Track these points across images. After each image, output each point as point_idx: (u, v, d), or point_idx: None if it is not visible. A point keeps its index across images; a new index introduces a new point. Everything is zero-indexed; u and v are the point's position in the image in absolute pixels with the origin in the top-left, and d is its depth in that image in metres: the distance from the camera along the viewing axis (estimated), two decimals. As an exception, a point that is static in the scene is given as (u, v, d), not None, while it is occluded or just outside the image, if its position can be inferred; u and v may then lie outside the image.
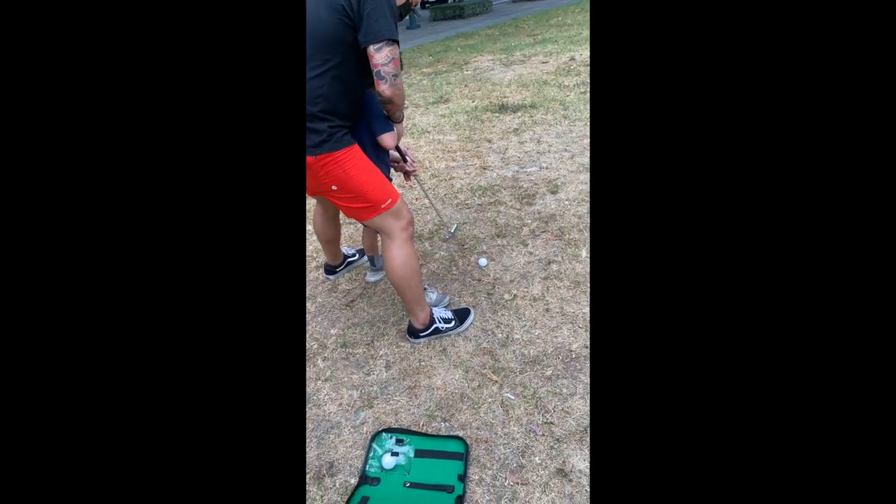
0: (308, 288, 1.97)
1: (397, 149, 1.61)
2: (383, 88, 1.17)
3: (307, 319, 1.78)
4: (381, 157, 1.47)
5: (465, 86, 4.76)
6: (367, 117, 1.39)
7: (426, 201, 2.52)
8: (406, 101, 4.44)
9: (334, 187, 1.31)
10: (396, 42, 1.14)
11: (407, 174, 1.71)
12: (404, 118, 1.48)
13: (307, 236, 2.38)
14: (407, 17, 11.31)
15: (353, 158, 1.29)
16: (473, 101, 4.16)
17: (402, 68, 1.20)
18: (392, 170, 1.64)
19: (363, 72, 1.22)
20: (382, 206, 1.34)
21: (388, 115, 1.37)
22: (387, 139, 1.41)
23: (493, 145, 3.13)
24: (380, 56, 1.12)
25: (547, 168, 2.67)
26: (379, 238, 1.81)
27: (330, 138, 1.23)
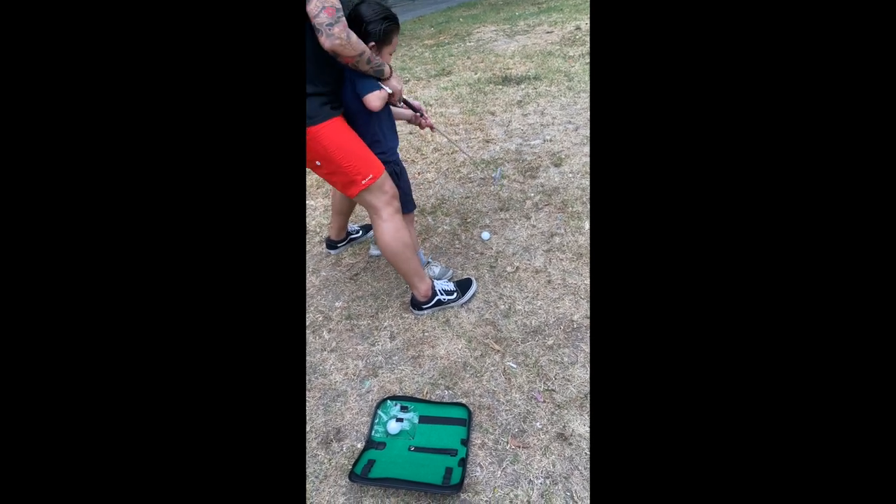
0: (312, 262, 1.99)
1: (406, 103, 1.51)
2: (322, 41, 1.08)
3: (312, 293, 1.80)
4: (379, 123, 1.39)
5: (468, 57, 4.65)
6: (346, 79, 1.31)
7: (429, 175, 2.50)
8: (407, 74, 4.37)
9: (318, 163, 1.30)
10: None
11: (430, 126, 1.62)
12: (394, 74, 1.33)
13: (311, 211, 2.38)
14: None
15: (333, 132, 1.26)
16: (476, 74, 4.07)
17: (341, 13, 1.08)
18: (417, 124, 1.58)
19: None
20: (363, 182, 1.31)
21: (361, 71, 1.23)
22: (371, 99, 1.27)
23: (497, 118, 3.08)
24: (310, 6, 1.05)
25: (551, 141, 2.63)
26: None
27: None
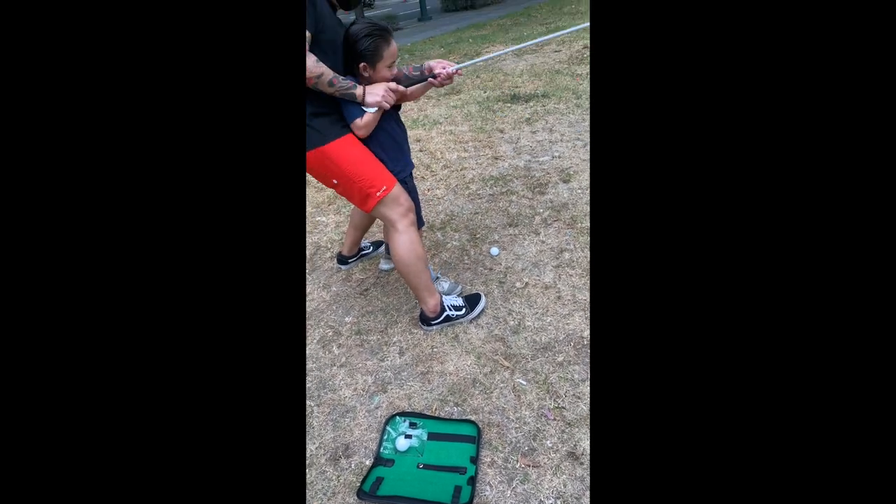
0: (323, 277, 2.01)
1: (412, 80, 1.37)
2: None
3: (322, 308, 1.81)
4: (380, 146, 1.39)
5: (477, 76, 4.73)
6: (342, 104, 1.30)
7: (438, 191, 2.53)
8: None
9: (335, 181, 1.34)
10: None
11: (455, 73, 1.38)
12: (372, 91, 1.26)
13: (322, 227, 2.41)
14: (418, 10, 11.21)
15: (343, 149, 1.29)
16: (485, 92, 4.14)
17: (309, 41, 1.14)
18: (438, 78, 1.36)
19: (329, 58, 1.23)
20: (377, 194, 1.34)
21: (328, 94, 1.24)
22: (356, 127, 1.30)
23: (505, 135, 3.12)
24: None
25: (559, 157, 2.65)
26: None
27: (314, 130, 1.25)
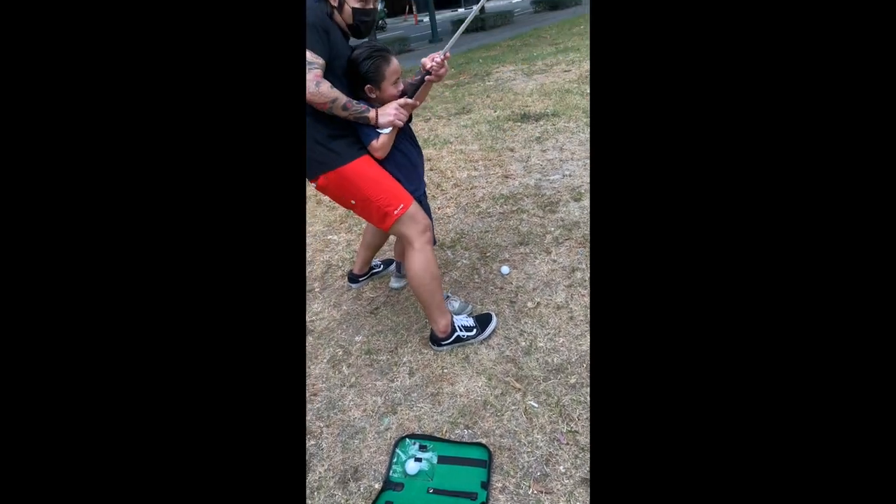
0: (334, 296, 2.01)
1: (414, 87, 1.38)
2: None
3: (333, 327, 1.81)
4: (399, 162, 1.42)
5: (487, 96, 4.79)
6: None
7: (448, 210, 2.54)
8: (428, 113, 4.50)
9: (353, 201, 1.37)
10: (311, 51, 1.19)
11: (444, 59, 1.36)
12: (384, 113, 1.29)
13: (333, 246, 2.43)
14: (429, 31, 11.47)
15: (361, 170, 1.33)
16: (495, 111, 4.18)
17: (313, 65, 1.20)
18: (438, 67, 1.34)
19: (343, 83, 1.29)
20: (395, 212, 1.36)
21: (343, 118, 1.28)
22: (373, 149, 1.35)
23: (516, 154, 3.13)
24: None
25: (570, 175, 2.65)
26: None
27: (332, 153, 1.29)
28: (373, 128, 1.32)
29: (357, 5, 1.29)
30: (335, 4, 1.29)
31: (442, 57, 1.35)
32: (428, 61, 1.36)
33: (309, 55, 1.19)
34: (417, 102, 1.40)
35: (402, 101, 1.32)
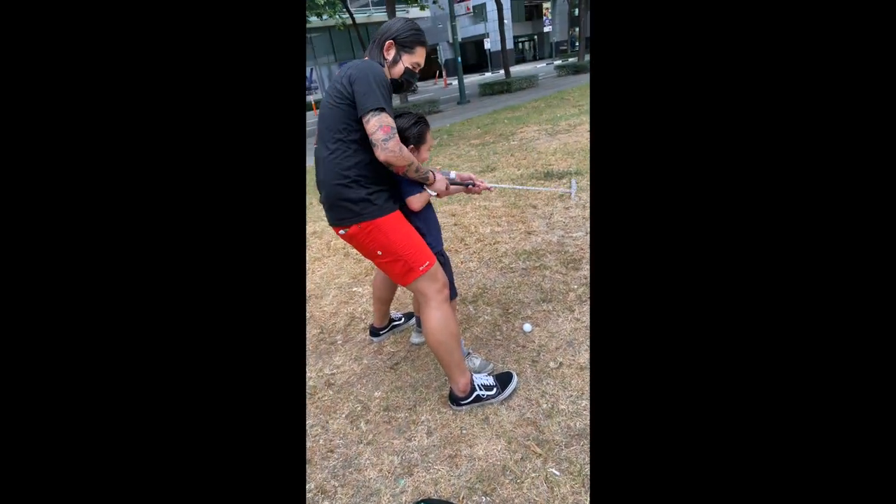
0: (355, 349, 2.03)
1: (455, 184, 1.63)
2: (377, 153, 1.26)
3: (353, 381, 1.81)
4: (425, 220, 1.55)
5: (512, 155, 4.96)
6: (399, 181, 1.48)
7: (471, 264, 2.57)
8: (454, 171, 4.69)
9: (379, 252, 1.42)
10: (383, 110, 1.25)
11: (487, 188, 1.69)
12: (438, 178, 1.48)
13: (358, 298, 2.48)
14: (457, 94, 12.14)
15: (395, 224, 1.40)
16: (519, 170, 4.31)
17: (395, 131, 1.27)
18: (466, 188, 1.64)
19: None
20: (420, 269, 1.41)
21: (408, 177, 1.40)
22: (413, 202, 1.48)
23: (539, 211, 3.19)
24: (369, 126, 1.26)
25: (593, 233, 2.66)
26: None
27: (372, 204, 1.36)
28: (419, 185, 1.47)
29: (409, 65, 1.43)
30: (389, 59, 1.42)
31: (488, 185, 1.67)
32: (477, 179, 1.66)
33: (387, 118, 1.26)
34: (452, 191, 1.63)
35: (448, 180, 1.53)
